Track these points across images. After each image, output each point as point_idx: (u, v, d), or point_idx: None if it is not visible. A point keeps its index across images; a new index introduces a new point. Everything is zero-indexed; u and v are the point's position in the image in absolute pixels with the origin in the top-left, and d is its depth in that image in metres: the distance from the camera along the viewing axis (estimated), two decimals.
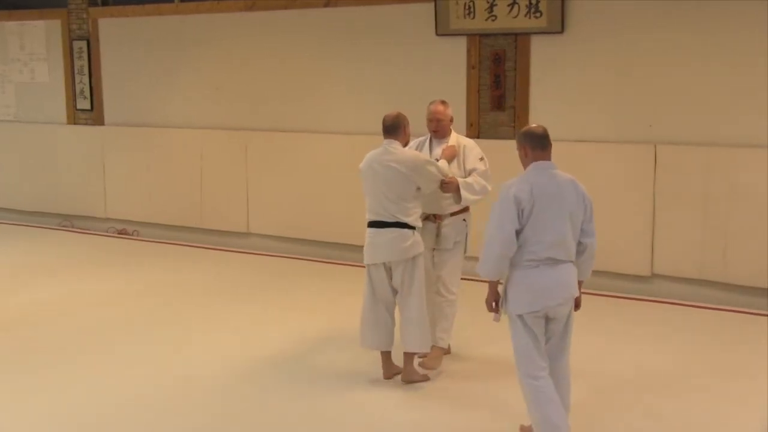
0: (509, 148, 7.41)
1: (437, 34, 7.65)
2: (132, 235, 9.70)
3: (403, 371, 5.10)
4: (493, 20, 7.34)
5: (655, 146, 6.81)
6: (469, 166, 5.28)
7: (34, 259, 8.17)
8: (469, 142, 5.42)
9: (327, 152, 8.29)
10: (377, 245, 5.00)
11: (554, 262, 3.99)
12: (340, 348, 5.72)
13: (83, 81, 9.92)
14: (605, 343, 5.80)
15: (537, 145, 4.22)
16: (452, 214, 5.31)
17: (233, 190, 8.95)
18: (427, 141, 5.44)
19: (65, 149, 10.12)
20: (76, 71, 9.94)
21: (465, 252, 5.41)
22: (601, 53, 7.04)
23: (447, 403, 4.85)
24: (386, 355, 5.14)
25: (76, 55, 9.88)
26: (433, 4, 7.59)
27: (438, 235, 5.30)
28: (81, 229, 10.08)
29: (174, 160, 9.28)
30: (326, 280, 7.60)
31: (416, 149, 5.37)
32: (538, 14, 7.14)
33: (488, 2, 7.32)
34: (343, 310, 6.44)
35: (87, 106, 9.96)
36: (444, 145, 5.34)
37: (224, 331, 6.15)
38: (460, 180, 5.16)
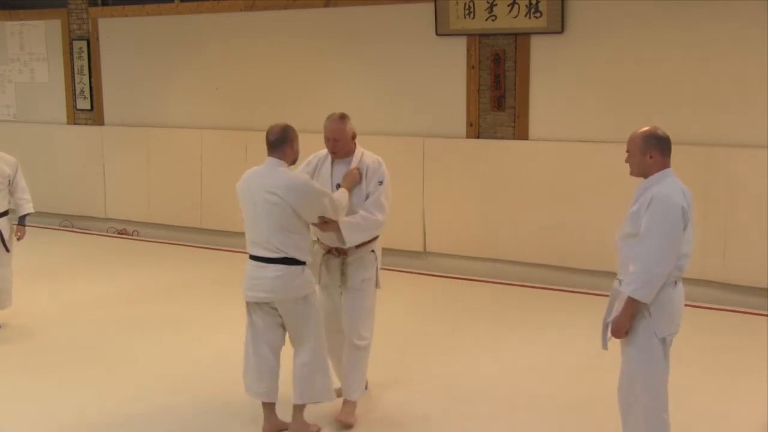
0: (509, 148, 7.50)
1: (437, 34, 7.65)
2: (132, 235, 9.70)
3: (291, 425, 4.45)
4: (493, 20, 7.34)
5: None
6: (368, 190, 4.55)
7: (35, 259, 8.17)
8: (374, 163, 4.61)
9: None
10: (259, 281, 4.26)
11: (681, 276, 3.71)
12: None
13: (83, 81, 9.91)
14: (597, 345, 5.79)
15: (666, 149, 3.72)
16: (358, 247, 4.56)
17: (233, 190, 8.90)
18: (328, 159, 4.64)
19: (65, 149, 10.12)
20: (76, 71, 9.94)
21: (377, 287, 4.74)
22: (600, 53, 7.04)
23: None
24: (270, 408, 4.46)
25: (76, 55, 9.88)
26: (433, 4, 7.59)
27: (343, 273, 4.58)
28: (81, 229, 10.08)
29: (174, 160, 9.28)
30: None
31: (315, 168, 4.65)
32: (538, 14, 7.14)
33: (488, 2, 7.31)
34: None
35: (87, 106, 9.95)
36: (348, 167, 4.58)
37: (226, 331, 6.14)
38: (341, 221, 4.39)
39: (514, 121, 7.46)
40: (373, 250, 4.67)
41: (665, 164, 3.69)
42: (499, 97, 7.48)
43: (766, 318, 6.30)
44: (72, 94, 10.04)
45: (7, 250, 6.23)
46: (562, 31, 7.12)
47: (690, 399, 4.81)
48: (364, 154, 4.63)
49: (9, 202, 6.29)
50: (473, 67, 7.56)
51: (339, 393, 4.70)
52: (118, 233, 9.80)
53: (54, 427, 4.62)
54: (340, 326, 4.69)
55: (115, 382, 5.24)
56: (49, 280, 7.70)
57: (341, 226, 4.40)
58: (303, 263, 4.28)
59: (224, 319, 6.44)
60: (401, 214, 7.95)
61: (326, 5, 8.23)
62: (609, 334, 3.72)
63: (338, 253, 4.56)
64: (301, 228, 4.27)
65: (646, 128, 3.77)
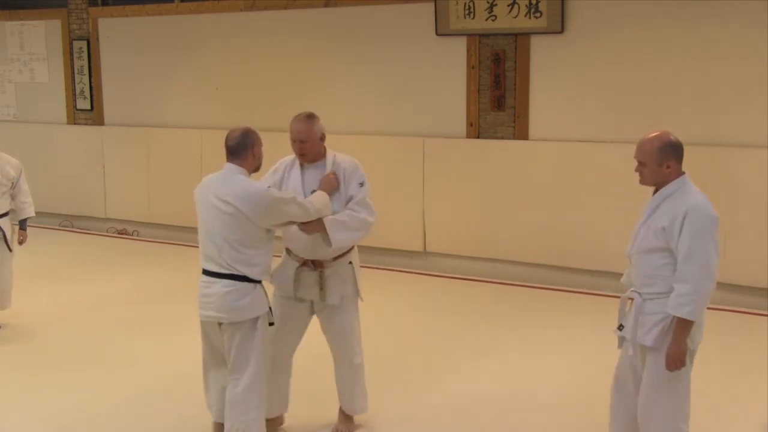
0: (509, 148, 7.50)
1: (437, 34, 7.64)
2: (132, 235, 9.70)
3: None
4: (493, 20, 7.34)
5: None
6: (348, 194, 4.21)
7: (35, 259, 8.17)
8: (350, 165, 4.27)
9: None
10: (209, 299, 3.92)
11: None
12: None
13: (83, 81, 9.91)
14: (597, 345, 5.79)
15: (681, 156, 3.54)
16: (335, 258, 4.23)
17: None
18: (296, 164, 4.26)
19: (65, 149, 10.12)
20: (76, 71, 9.94)
21: (359, 301, 4.41)
22: (601, 53, 7.04)
23: None
24: (219, 428, 4.18)
25: (76, 55, 9.88)
26: (433, 4, 7.59)
27: (322, 287, 4.20)
28: (81, 229, 10.08)
29: (174, 160, 9.28)
30: None
31: (282, 176, 4.28)
32: (538, 14, 7.14)
33: (488, 2, 7.31)
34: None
35: (87, 106, 9.95)
36: (321, 171, 4.22)
37: None
38: (326, 219, 4.05)
39: (514, 121, 7.46)
40: (350, 262, 4.32)
41: (680, 171, 3.54)
42: (499, 97, 7.48)
43: (766, 318, 6.30)
44: (72, 94, 10.04)
45: (10, 250, 6.23)
46: (562, 31, 7.12)
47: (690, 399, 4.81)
48: (337, 156, 4.27)
49: (10, 204, 6.30)
50: (473, 67, 7.56)
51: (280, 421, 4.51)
52: (118, 233, 9.80)
53: (54, 427, 4.62)
54: (288, 349, 4.36)
55: (115, 382, 5.24)
56: (49, 280, 7.70)
57: (326, 224, 4.04)
58: (256, 282, 3.92)
59: None
60: (401, 214, 7.96)
61: (326, 5, 8.23)
62: (648, 358, 3.52)
63: (314, 265, 4.20)
64: (259, 242, 3.88)
65: (657, 135, 3.55)
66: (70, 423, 4.66)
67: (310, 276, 4.21)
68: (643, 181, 3.62)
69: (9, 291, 6.32)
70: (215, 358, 4.12)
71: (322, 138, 4.23)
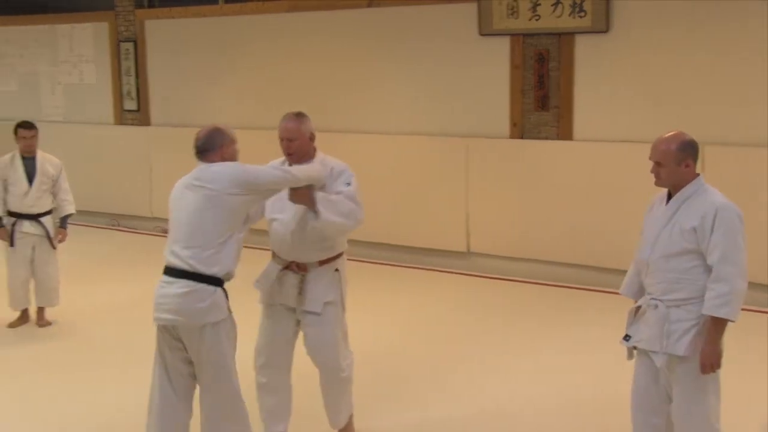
0: (552, 148, 7.45)
1: (480, 34, 7.62)
2: None
3: None
4: (536, 20, 7.29)
5: (703, 147, 6.69)
6: (334, 190, 3.98)
7: (83, 257, 8.34)
8: (339, 165, 4.07)
9: (369, 153, 8.30)
10: (164, 299, 3.63)
11: None
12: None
13: (130, 82, 10.06)
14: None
15: (697, 156, 3.51)
16: (321, 263, 4.04)
17: None
18: (285, 165, 4.10)
19: (112, 149, 10.28)
20: (122, 72, 10.08)
21: (343, 310, 4.15)
22: (646, 53, 6.96)
23: None
24: None
25: (123, 56, 10.03)
26: (476, 4, 7.57)
27: (301, 291, 4.01)
28: (128, 228, 10.23)
29: None
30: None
31: None
32: (582, 14, 7.08)
33: (532, 2, 7.27)
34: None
35: (133, 107, 10.10)
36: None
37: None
38: (317, 193, 3.84)
39: (558, 121, 7.41)
40: (337, 269, 4.10)
41: (695, 171, 3.48)
42: (542, 97, 7.43)
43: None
44: (119, 95, 10.19)
45: (53, 247, 6.36)
46: (607, 30, 7.05)
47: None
48: (326, 157, 4.10)
49: (52, 202, 6.43)
50: (517, 67, 7.52)
51: None
52: (164, 232, 9.91)
53: (93, 425, 4.70)
54: (282, 358, 4.15)
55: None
56: (96, 279, 7.83)
57: (317, 198, 3.82)
58: (217, 284, 3.64)
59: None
60: (444, 214, 7.96)
61: (369, 5, 8.25)
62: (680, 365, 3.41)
63: (298, 268, 4.03)
64: (226, 235, 3.63)
65: (674, 135, 3.50)
66: (114, 420, 4.73)
67: (291, 280, 4.04)
68: (659, 183, 3.55)
69: (56, 288, 6.45)
70: (163, 375, 3.75)
71: (312, 138, 4.10)
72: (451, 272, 7.86)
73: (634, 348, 3.59)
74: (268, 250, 4.25)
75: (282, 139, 4.06)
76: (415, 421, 4.68)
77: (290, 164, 4.06)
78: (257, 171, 3.74)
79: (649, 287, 3.54)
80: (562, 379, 5.27)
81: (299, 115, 4.08)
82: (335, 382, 4.18)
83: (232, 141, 3.87)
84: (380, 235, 8.19)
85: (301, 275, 4.02)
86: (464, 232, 7.90)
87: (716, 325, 3.35)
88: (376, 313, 6.54)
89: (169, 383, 3.75)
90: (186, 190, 3.74)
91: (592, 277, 7.29)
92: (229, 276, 3.72)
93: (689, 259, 3.40)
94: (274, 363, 4.14)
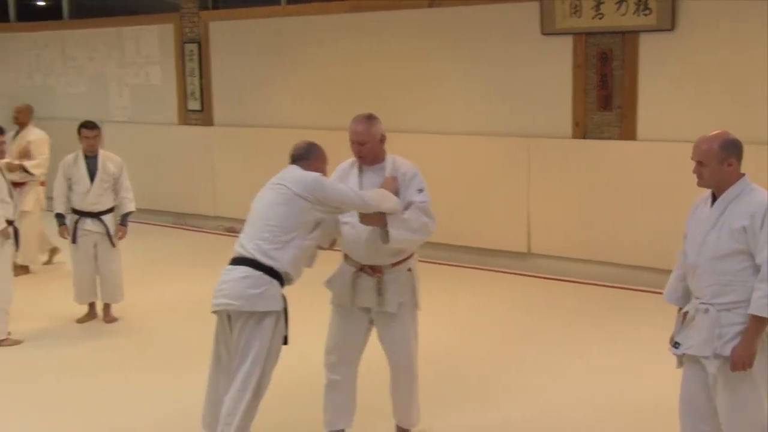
0: (615, 148, 7.34)
1: (542, 33, 7.56)
2: (239, 233, 9.91)
3: None
4: (600, 18, 7.20)
5: None
6: (407, 199, 4.01)
7: (148, 255, 8.52)
8: (410, 169, 4.09)
9: (430, 153, 8.28)
10: (223, 285, 3.76)
11: None
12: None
13: (194, 83, 10.22)
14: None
15: (741, 155, 3.45)
16: (394, 264, 4.07)
17: None
18: (355, 167, 4.14)
19: (176, 149, 10.46)
20: (187, 73, 10.25)
21: (418, 309, 4.22)
22: (713, 51, 6.82)
23: None
24: None
25: (187, 57, 10.20)
26: (538, 3, 7.51)
27: (380, 293, 4.04)
28: (192, 226, 10.40)
29: (280, 160, 9.41)
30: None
31: (338, 179, 4.14)
32: (647, 12, 6.97)
33: (595, 0, 7.18)
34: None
35: (197, 107, 10.26)
36: (379, 175, 4.08)
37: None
38: (388, 215, 3.87)
39: (621, 121, 7.30)
40: (410, 269, 4.15)
41: (739, 171, 3.41)
42: (605, 96, 7.34)
43: None
44: (183, 96, 10.36)
45: (113, 245, 6.49)
46: (672, 28, 6.93)
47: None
48: (396, 159, 4.13)
49: (114, 200, 6.57)
50: (579, 66, 7.44)
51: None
52: (227, 231, 10.06)
53: (153, 420, 4.78)
54: (353, 356, 4.20)
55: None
56: (159, 277, 7.98)
57: (387, 219, 3.86)
58: (277, 278, 3.72)
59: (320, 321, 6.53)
60: (505, 214, 7.91)
61: (430, 5, 8.25)
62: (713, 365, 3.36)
63: (372, 271, 4.06)
64: (291, 235, 3.73)
65: (717, 134, 3.44)
66: (173, 414, 4.81)
67: (367, 282, 4.06)
68: (702, 183, 3.47)
69: (120, 285, 6.60)
70: (214, 363, 3.90)
71: (382, 140, 4.11)
72: (511, 273, 7.81)
73: (683, 355, 3.52)
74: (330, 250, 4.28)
75: (353, 142, 4.05)
76: (474, 422, 4.67)
77: (360, 168, 4.10)
78: (332, 186, 3.82)
79: (696, 291, 3.47)
80: (619, 380, 5.21)
81: (370, 118, 4.06)
82: (407, 380, 4.22)
83: (325, 161, 3.99)
84: (440, 236, 8.08)
85: (377, 278, 4.04)
86: (525, 232, 7.84)
87: (757, 325, 3.28)
88: (435, 314, 6.50)
89: (220, 369, 3.85)
90: (267, 190, 3.88)
91: (656, 279, 7.16)
92: (288, 276, 3.79)
93: (739, 261, 3.33)
94: (345, 361, 4.19)
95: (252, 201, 4.04)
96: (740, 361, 3.28)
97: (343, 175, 4.17)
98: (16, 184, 7.52)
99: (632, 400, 4.91)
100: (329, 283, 4.18)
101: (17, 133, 8.08)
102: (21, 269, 7.87)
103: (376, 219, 3.89)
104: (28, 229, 7.10)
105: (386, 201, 3.89)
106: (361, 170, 4.12)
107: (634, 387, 5.11)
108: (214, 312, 3.85)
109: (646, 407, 4.79)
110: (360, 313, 4.15)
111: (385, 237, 3.90)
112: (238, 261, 3.76)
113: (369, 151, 4.04)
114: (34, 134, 8.06)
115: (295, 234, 3.75)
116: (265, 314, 3.70)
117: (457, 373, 5.36)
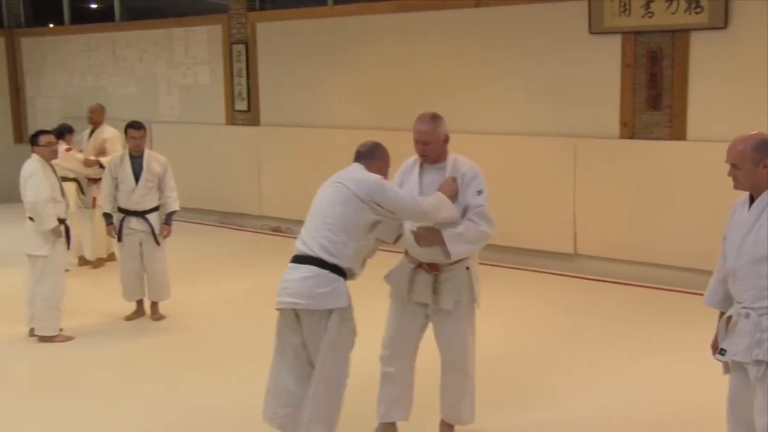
0: (665, 149, 7.24)
1: (590, 33, 7.48)
2: (285, 232, 10.00)
3: None
4: (649, 17, 7.11)
5: None
6: (465, 201, 4.02)
7: (194, 254, 8.61)
8: (470, 170, 4.09)
9: (476, 153, 8.17)
10: (287, 284, 3.82)
11: None
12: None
13: (241, 83, 10.31)
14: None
15: None
16: (452, 264, 4.08)
17: None
18: (417, 165, 4.16)
19: (224, 149, 10.56)
20: (234, 74, 10.35)
21: (475, 308, 4.21)
22: (766, 50, 6.68)
23: None
24: None
25: (234, 58, 10.29)
26: (586, 2, 7.43)
27: (436, 291, 4.07)
28: (237, 226, 10.50)
29: (325, 160, 9.46)
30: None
31: (401, 176, 4.20)
32: (698, 10, 6.86)
33: None
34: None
35: (244, 107, 10.35)
36: (440, 174, 4.10)
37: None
38: (445, 233, 3.91)
39: (671, 121, 7.20)
40: (468, 267, 4.14)
41: None
42: (655, 96, 7.24)
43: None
44: (230, 96, 10.46)
45: (158, 244, 6.58)
46: (725, 26, 6.81)
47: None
48: (458, 159, 4.12)
49: (158, 199, 6.66)
50: (628, 66, 7.34)
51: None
52: (272, 231, 10.13)
53: (203, 416, 4.83)
54: (408, 349, 4.23)
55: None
56: (205, 275, 8.06)
57: (445, 237, 3.92)
58: (340, 273, 3.78)
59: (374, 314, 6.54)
60: (551, 215, 7.85)
61: (477, 5, 8.21)
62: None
63: (430, 269, 4.08)
64: (357, 233, 3.77)
65: (751, 135, 3.34)
66: (221, 412, 4.86)
67: (425, 279, 4.10)
68: (737, 186, 3.40)
69: (166, 283, 6.69)
70: (279, 358, 3.94)
71: (446, 140, 4.11)
72: (557, 274, 7.75)
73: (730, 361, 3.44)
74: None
75: (417, 142, 4.05)
76: (520, 424, 4.64)
77: (421, 167, 4.13)
78: (392, 192, 3.83)
79: (737, 295, 3.39)
80: (663, 383, 5.15)
81: (435, 117, 4.06)
82: (460, 379, 4.22)
83: (388, 163, 4.03)
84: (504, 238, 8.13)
85: (434, 275, 4.06)
86: (571, 233, 7.77)
87: None
88: (481, 315, 6.46)
89: (284, 363, 3.89)
90: (327, 187, 3.91)
91: (706, 281, 7.04)
92: (351, 272, 3.84)
93: None
94: (400, 354, 4.22)
95: (296, 200, 4.07)
96: None
97: (405, 172, 4.20)
98: (93, 180, 8.16)
99: (675, 403, 4.85)
100: (388, 276, 4.22)
101: (92, 132, 8.53)
102: (92, 262, 8.42)
103: (434, 238, 3.93)
104: (100, 221, 7.36)
105: (443, 209, 3.91)
106: (422, 168, 4.14)
107: (678, 390, 5.04)
108: (278, 309, 3.90)
109: (690, 410, 4.72)
110: (417, 307, 4.17)
111: (447, 253, 3.94)
112: (301, 259, 3.80)
113: (432, 150, 4.05)
114: (109, 132, 8.48)
115: (353, 232, 3.78)
116: (332, 311, 3.77)
117: (500, 373, 5.33)
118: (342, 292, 3.79)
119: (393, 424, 4.32)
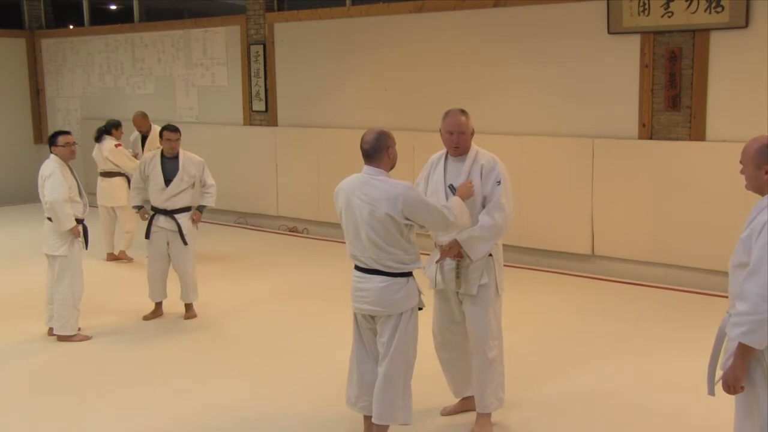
0: (684, 149, 7.19)
1: (609, 33, 7.44)
2: (302, 233, 10.02)
3: None
4: (669, 17, 7.06)
5: None
6: (485, 192, 4.35)
7: (212, 254, 8.63)
8: (489, 161, 4.40)
9: (494, 153, 8.23)
10: (363, 293, 4.10)
11: None
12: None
13: (259, 83, 10.34)
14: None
15: None
16: None
17: None
18: (442, 160, 4.48)
19: (241, 149, 10.59)
20: (252, 74, 10.37)
21: (498, 293, 4.44)
22: None
23: None
24: (370, 423, 4.24)
25: (252, 58, 10.32)
26: (605, 2, 7.39)
27: (458, 276, 4.38)
28: (254, 226, 10.52)
29: (343, 161, 9.50)
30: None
31: (429, 169, 4.54)
32: (719, 9, 6.80)
33: None
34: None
35: (262, 108, 10.37)
36: (462, 164, 4.38)
37: None
38: (461, 241, 4.26)
39: (690, 122, 7.15)
40: (490, 254, 4.39)
41: None
42: (674, 96, 7.19)
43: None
44: (248, 97, 10.49)
45: (185, 243, 6.61)
46: (746, 26, 6.75)
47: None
48: (479, 152, 4.43)
49: (191, 199, 6.69)
50: (647, 66, 7.30)
51: (464, 406, 4.70)
52: (289, 231, 10.15)
53: (220, 412, 4.84)
54: (455, 337, 4.54)
55: (291, 373, 5.44)
56: (224, 275, 8.09)
57: (463, 246, 4.27)
58: (407, 275, 4.09)
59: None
60: (569, 216, 7.81)
61: (495, 5, 8.19)
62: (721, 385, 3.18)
63: (454, 256, 4.35)
64: (403, 242, 4.02)
65: (759, 137, 3.23)
66: (240, 410, 4.87)
67: (449, 265, 4.39)
68: (746, 186, 3.34)
69: (194, 285, 6.72)
70: (363, 352, 4.26)
71: (473, 133, 4.44)
72: (575, 275, 7.71)
73: None
74: None
75: (451, 133, 4.34)
76: (538, 425, 4.62)
77: (446, 160, 4.44)
78: (420, 204, 4.02)
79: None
80: (683, 386, 5.09)
81: (464, 112, 4.40)
82: (482, 361, 4.42)
83: (394, 143, 4.16)
84: (504, 237, 8.10)
85: (456, 262, 4.35)
86: (589, 234, 7.74)
87: (739, 348, 3.07)
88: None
89: (368, 356, 4.23)
90: (355, 198, 4.07)
91: (724, 283, 6.99)
92: (416, 256, 4.09)
93: (742, 274, 3.11)
94: (448, 341, 4.57)
95: (314, 200, 4.15)
96: (727, 384, 3.12)
97: (432, 165, 4.53)
98: None
99: (694, 406, 4.80)
100: (425, 270, 4.48)
101: (144, 138, 9.01)
102: (115, 256, 8.77)
103: (454, 252, 4.29)
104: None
105: (464, 216, 4.19)
106: (446, 162, 4.45)
107: (694, 390, 4.98)
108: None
109: (708, 413, 4.68)
110: (453, 296, 4.47)
111: (469, 259, 4.30)
112: (368, 270, 4.07)
113: (465, 141, 4.37)
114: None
115: (399, 241, 4.02)
116: (405, 310, 4.11)
117: (518, 374, 5.30)
118: (414, 292, 4.12)
119: (470, 399, 4.61)
